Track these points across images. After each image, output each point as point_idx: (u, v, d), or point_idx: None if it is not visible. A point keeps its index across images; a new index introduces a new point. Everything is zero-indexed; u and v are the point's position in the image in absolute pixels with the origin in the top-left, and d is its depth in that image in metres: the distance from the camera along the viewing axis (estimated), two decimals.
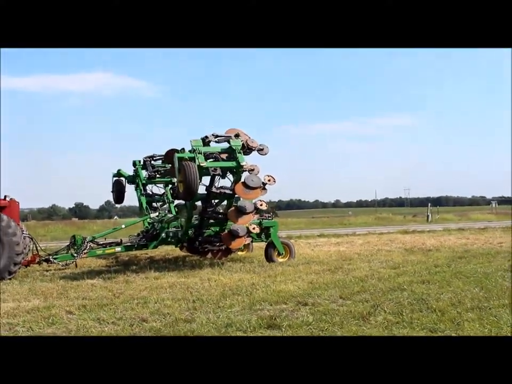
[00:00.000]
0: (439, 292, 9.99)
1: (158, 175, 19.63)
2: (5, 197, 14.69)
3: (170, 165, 16.89)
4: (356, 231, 31.27)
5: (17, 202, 15.18)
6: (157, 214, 17.87)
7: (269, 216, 16.32)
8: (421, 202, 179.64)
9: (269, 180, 14.83)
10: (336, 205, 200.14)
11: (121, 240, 17.20)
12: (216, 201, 15.44)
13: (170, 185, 19.62)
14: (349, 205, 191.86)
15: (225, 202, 15.56)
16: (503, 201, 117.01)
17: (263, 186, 14.49)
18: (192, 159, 13.60)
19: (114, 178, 20.51)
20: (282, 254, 16.04)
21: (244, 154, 14.25)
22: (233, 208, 14.60)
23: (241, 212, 14.40)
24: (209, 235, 16.20)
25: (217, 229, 16.06)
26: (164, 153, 18.30)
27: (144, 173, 19.83)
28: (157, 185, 20.02)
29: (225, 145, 14.52)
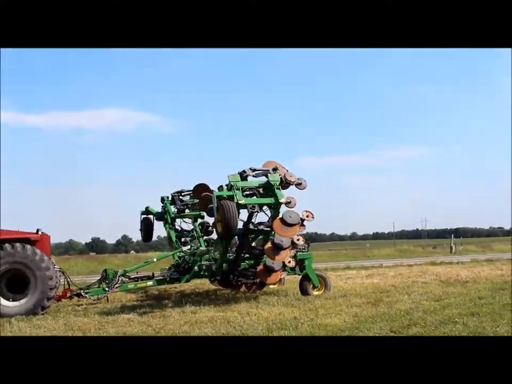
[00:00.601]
0: (493, 325, 9.56)
1: (187, 210, 19.48)
2: (37, 230, 14.54)
3: (198, 200, 17.01)
4: (382, 263, 30.74)
5: (48, 235, 15.00)
6: (189, 247, 17.60)
7: (303, 248, 15.95)
8: (438, 234, 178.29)
9: (307, 216, 14.60)
10: (353, 237, 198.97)
11: (153, 274, 16.93)
12: (252, 236, 15.13)
13: (199, 220, 19.50)
14: (365, 237, 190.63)
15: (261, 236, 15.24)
16: None
17: (301, 223, 14.23)
18: (231, 197, 13.44)
19: (143, 216, 20.31)
20: (318, 286, 15.63)
21: (281, 189, 14.04)
22: (269, 244, 14.24)
23: (278, 248, 14.08)
24: (243, 268, 15.89)
25: (252, 262, 15.73)
26: (192, 188, 18.31)
27: (172, 208, 19.64)
28: (185, 220, 19.83)
29: (262, 179, 14.32)
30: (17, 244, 13.56)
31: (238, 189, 13.62)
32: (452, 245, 49.39)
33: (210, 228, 19.28)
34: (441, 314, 10.88)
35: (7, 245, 13.49)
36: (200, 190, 17.49)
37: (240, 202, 13.37)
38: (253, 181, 14.31)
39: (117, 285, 15.53)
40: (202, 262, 16.34)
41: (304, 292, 15.43)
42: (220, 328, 10.44)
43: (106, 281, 15.65)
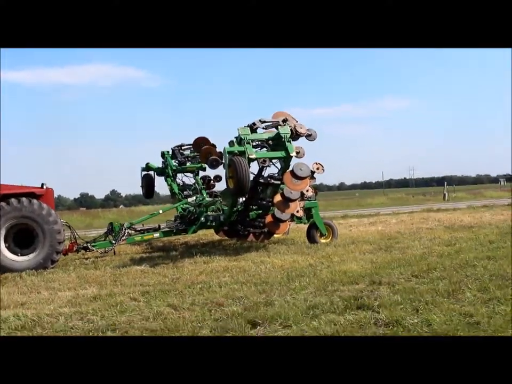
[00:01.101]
0: None
1: (188, 163, 19.43)
2: (42, 185, 14.29)
3: (199, 153, 16.93)
4: (379, 211, 30.83)
5: (52, 189, 14.76)
6: (194, 198, 17.45)
7: (310, 197, 15.83)
8: (425, 183, 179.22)
9: (317, 168, 14.46)
10: (341, 187, 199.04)
11: (159, 225, 16.84)
12: (261, 188, 14.98)
13: (200, 173, 19.54)
14: (353, 187, 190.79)
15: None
16: (509, 178, 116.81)
17: (311, 175, 14.10)
18: (242, 153, 13.25)
19: (143, 173, 20.12)
20: (325, 234, 15.60)
21: (292, 140, 13.87)
22: (279, 196, 14.07)
23: (288, 200, 13.96)
24: (252, 218, 15.80)
25: (260, 212, 15.62)
26: (192, 142, 18.22)
27: (173, 162, 19.52)
28: (186, 175, 19.75)
29: (273, 131, 14.16)
30: (24, 199, 13.34)
31: (248, 143, 13.43)
32: (444, 192, 49.76)
33: (212, 181, 19.20)
34: (457, 259, 10.88)
35: (13, 199, 13.26)
36: (201, 143, 17.45)
37: (251, 157, 13.23)
38: (263, 134, 14.11)
39: (124, 238, 15.42)
40: (209, 213, 16.25)
41: (312, 240, 15.40)
42: (237, 276, 10.42)
43: (113, 234, 15.54)
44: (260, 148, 14.39)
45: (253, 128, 13.82)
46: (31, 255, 13.37)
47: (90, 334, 6.95)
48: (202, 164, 18.51)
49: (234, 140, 13.93)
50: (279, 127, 13.92)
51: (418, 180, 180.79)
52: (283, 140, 13.63)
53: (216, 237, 19.13)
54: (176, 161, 19.46)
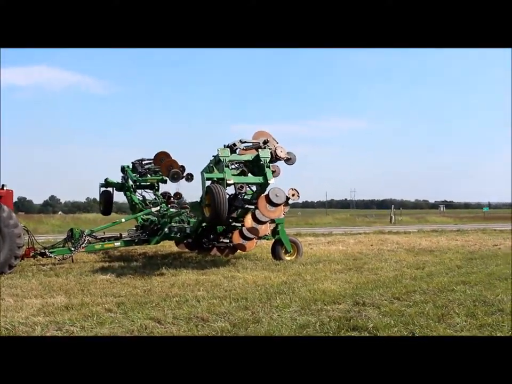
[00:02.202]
0: (492, 293, 9.62)
1: (149, 175, 19.13)
2: (2, 186, 13.63)
3: (159, 167, 17.31)
4: (331, 231, 30.93)
5: (12, 191, 14.07)
6: (158, 208, 17.03)
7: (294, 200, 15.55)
8: (365, 205, 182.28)
9: (293, 195, 14.35)
10: None
11: (120, 234, 16.35)
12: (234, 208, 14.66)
13: (161, 185, 19.29)
14: (294, 205, 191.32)
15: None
16: (447, 205, 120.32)
17: (286, 201, 13.94)
18: (221, 180, 13.05)
19: (102, 189, 19.58)
20: (290, 252, 15.40)
21: (270, 162, 13.76)
22: (263, 199, 13.67)
23: (259, 222, 13.82)
24: (218, 233, 15.52)
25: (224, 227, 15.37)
26: (152, 157, 18.40)
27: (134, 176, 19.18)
28: (146, 191, 19.38)
29: (253, 151, 14.10)
30: None
31: (227, 166, 13.22)
32: (391, 215, 50.46)
33: (172, 198, 18.90)
34: (432, 282, 10.87)
35: None
36: (162, 157, 17.61)
37: (229, 182, 13.06)
38: (242, 155, 13.88)
39: (83, 245, 14.87)
40: (173, 224, 15.88)
41: (276, 256, 15.18)
42: (213, 291, 10.13)
43: (72, 241, 14.96)
44: (237, 169, 14.20)
45: (233, 148, 13.60)
46: None
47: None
48: (163, 177, 18.29)
49: (213, 159, 13.64)
50: (259, 150, 13.72)
51: (358, 201, 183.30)
52: (262, 164, 13.50)
53: (175, 249, 18.75)
54: (137, 175, 19.07)
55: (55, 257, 14.57)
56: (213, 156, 13.73)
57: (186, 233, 15.35)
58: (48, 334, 7.04)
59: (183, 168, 17.37)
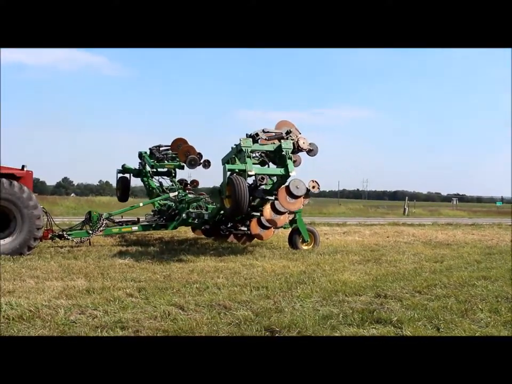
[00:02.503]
0: None
1: (166, 161, 19.13)
2: (23, 166, 13.64)
3: (177, 153, 17.65)
4: (345, 221, 30.83)
5: (32, 172, 14.09)
6: (176, 193, 17.00)
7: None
8: (378, 196, 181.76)
9: (313, 187, 14.24)
10: None
11: (138, 219, 16.37)
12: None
13: (177, 171, 19.37)
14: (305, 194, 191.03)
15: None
16: (460, 198, 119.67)
17: (306, 193, 13.87)
18: (242, 171, 12.98)
19: (119, 175, 19.66)
20: (307, 241, 15.34)
21: (292, 153, 13.71)
22: (283, 191, 13.51)
23: (293, 196, 13.58)
24: (235, 220, 15.49)
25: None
26: (169, 144, 18.70)
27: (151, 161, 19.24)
28: (164, 178, 19.48)
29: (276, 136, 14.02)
30: (4, 180, 12.68)
31: (248, 156, 13.15)
32: (405, 206, 50.22)
33: (189, 185, 18.92)
34: (453, 277, 10.77)
35: None
36: (179, 144, 17.88)
37: (250, 173, 12.99)
38: (264, 145, 13.78)
39: (101, 228, 14.90)
40: (191, 210, 15.87)
41: (294, 245, 15.17)
42: (232, 279, 10.10)
43: (90, 224, 14.99)
44: (258, 158, 14.20)
45: (255, 138, 13.52)
46: (7, 239, 12.73)
47: (99, 330, 6.57)
48: (181, 162, 18.34)
49: (234, 148, 13.63)
50: (282, 141, 13.66)
51: (370, 192, 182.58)
52: (284, 155, 13.45)
53: (191, 235, 18.79)
54: (154, 160, 19.11)
55: (72, 240, 14.62)
56: (235, 145, 13.66)
57: (204, 219, 15.32)
58: (71, 317, 7.05)
59: (200, 155, 17.51)
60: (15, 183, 12.78)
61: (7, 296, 8.18)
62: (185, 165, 17.78)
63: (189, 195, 17.10)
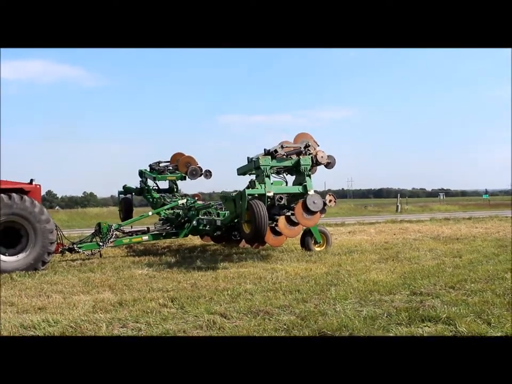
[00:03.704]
0: None
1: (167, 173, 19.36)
2: (31, 180, 13.39)
3: (177, 165, 18.44)
4: (343, 221, 30.76)
5: (40, 186, 13.82)
6: (185, 201, 16.84)
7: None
8: (363, 194, 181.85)
9: (330, 201, 14.13)
10: None
11: (148, 228, 16.17)
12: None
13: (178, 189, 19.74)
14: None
15: None
16: (446, 193, 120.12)
17: (323, 207, 13.81)
18: (262, 195, 12.96)
19: (121, 196, 19.84)
20: (320, 242, 15.22)
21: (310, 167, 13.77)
22: (300, 207, 13.51)
23: (310, 212, 13.54)
24: None
25: None
26: (168, 159, 19.47)
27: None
28: (166, 194, 19.52)
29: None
30: (15, 195, 12.43)
31: (267, 176, 13.16)
32: (397, 204, 50.37)
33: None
34: (479, 271, 10.73)
35: (3, 195, 12.33)
36: (178, 158, 18.68)
37: (268, 194, 13.03)
38: (283, 161, 13.75)
39: (112, 240, 14.68)
40: (201, 216, 15.71)
41: (306, 247, 15.03)
42: (260, 284, 9.98)
43: (100, 236, 14.77)
44: (277, 172, 14.28)
45: (274, 155, 13.44)
46: (20, 255, 12.48)
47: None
48: (182, 174, 18.67)
49: (251, 163, 13.58)
50: (300, 157, 13.65)
51: (355, 191, 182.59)
52: (303, 172, 13.55)
53: (197, 242, 18.60)
54: (156, 173, 19.37)
55: (83, 252, 14.39)
56: (252, 159, 13.68)
57: (216, 226, 15.15)
58: (114, 331, 6.90)
59: (199, 168, 18.20)
60: (26, 197, 12.54)
61: (39, 313, 8.00)
62: (186, 176, 18.00)
63: (198, 202, 16.95)
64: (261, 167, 13.14)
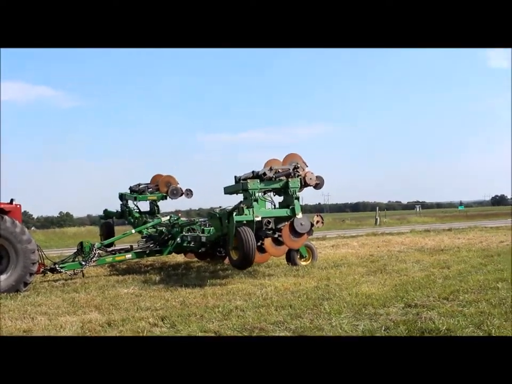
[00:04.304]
0: None
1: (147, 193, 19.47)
2: (11, 200, 13.06)
3: (157, 186, 18.79)
4: (325, 235, 30.64)
5: (20, 206, 13.48)
6: (168, 218, 16.61)
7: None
8: (339, 208, 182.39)
9: (317, 222, 14.01)
10: None
11: (131, 246, 15.89)
12: None
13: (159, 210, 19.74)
14: None
15: None
16: (422, 205, 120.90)
17: (310, 229, 13.70)
18: (251, 222, 12.78)
19: (102, 221, 19.85)
20: (305, 256, 15.09)
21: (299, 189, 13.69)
22: (287, 230, 13.34)
23: (296, 234, 13.40)
24: None
25: None
26: (148, 182, 19.69)
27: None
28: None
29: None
30: None
31: (256, 200, 13.03)
32: (376, 217, 50.52)
33: None
34: (471, 281, 10.68)
35: None
36: (158, 179, 19.00)
37: (256, 219, 12.84)
38: (271, 183, 13.58)
39: (94, 259, 14.36)
40: (185, 233, 15.50)
41: (292, 261, 14.84)
42: (250, 300, 9.81)
43: (83, 255, 14.45)
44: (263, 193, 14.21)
45: (262, 178, 13.23)
46: (2, 277, 12.11)
47: None
48: (163, 193, 18.83)
49: (239, 184, 13.44)
50: (289, 179, 13.51)
51: (332, 205, 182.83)
52: (291, 195, 13.43)
53: (180, 259, 18.33)
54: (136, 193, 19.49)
55: (65, 272, 14.05)
56: (240, 182, 13.53)
57: (201, 242, 14.91)
58: None
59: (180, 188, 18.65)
60: (7, 217, 12.22)
61: (24, 336, 7.71)
62: (167, 195, 18.40)
63: (182, 219, 16.73)
64: (249, 190, 12.95)
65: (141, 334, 7.45)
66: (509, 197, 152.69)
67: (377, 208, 55.56)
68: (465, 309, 8.21)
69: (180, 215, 17.93)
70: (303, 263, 14.87)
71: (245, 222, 12.76)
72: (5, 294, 11.66)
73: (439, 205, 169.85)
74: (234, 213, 13.08)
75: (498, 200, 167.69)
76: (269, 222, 13.31)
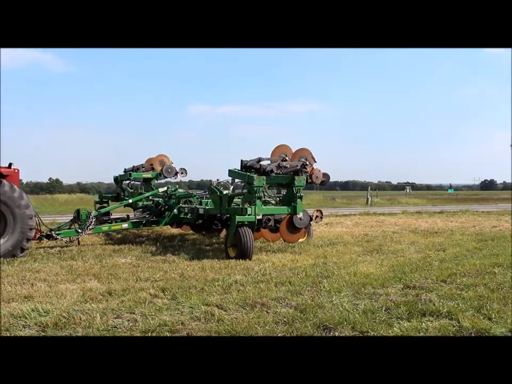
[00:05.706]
0: None
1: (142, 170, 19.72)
2: (10, 164, 12.98)
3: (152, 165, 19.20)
4: None
5: (18, 170, 13.39)
6: (165, 189, 16.58)
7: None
8: (329, 186, 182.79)
9: (316, 217, 13.93)
10: None
11: (127, 216, 15.88)
12: None
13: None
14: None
15: None
16: (412, 186, 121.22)
17: (308, 223, 13.68)
18: (252, 223, 12.65)
19: (97, 206, 19.87)
20: None
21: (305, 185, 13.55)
22: (285, 224, 13.30)
23: (294, 228, 13.36)
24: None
25: None
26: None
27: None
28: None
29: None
30: None
31: (259, 198, 12.85)
32: (368, 196, 50.71)
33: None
34: (467, 265, 10.76)
35: None
36: (153, 159, 19.42)
37: (258, 217, 12.70)
38: (277, 178, 13.37)
39: (91, 227, 14.33)
40: (182, 205, 15.49)
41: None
42: (250, 275, 9.86)
43: (79, 222, 14.41)
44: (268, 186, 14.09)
45: (269, 174, 12.99)
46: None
47: (148, 334, 6.30)
48: (157, 172, 19.14)
49: (246, 177, 13.11)
50: (295, 178, 13.28)
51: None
52: (295, 194, 13.24)
53: (174, 231, 18.34)
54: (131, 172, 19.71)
55: (61, 239, 14.02)
56: (246, 168, 13.45)
57: (198, 214, 14.89)
58: (109, 322, 6.69)
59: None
60: (5, 182, 12.15)
61: (26, 302, 7.74)
62: (161, 174, 18.72)
63: (179, 190, 16.72)
64: (254, 188, 12.81)
65: (144, 305, 7.48)
66: (498, 182, 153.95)
67: (369, 187, 55.76)
68: (464, 292, 8.28)
69: (177, 186, 17.98)
70: (299, 240, 14.90)
71: (246, 223, 12.65)
72: (2, 259, 11.63)
73: (429, 187, 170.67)
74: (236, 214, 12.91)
75: (488, 185, 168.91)
76: (269, 220, 13.25)
